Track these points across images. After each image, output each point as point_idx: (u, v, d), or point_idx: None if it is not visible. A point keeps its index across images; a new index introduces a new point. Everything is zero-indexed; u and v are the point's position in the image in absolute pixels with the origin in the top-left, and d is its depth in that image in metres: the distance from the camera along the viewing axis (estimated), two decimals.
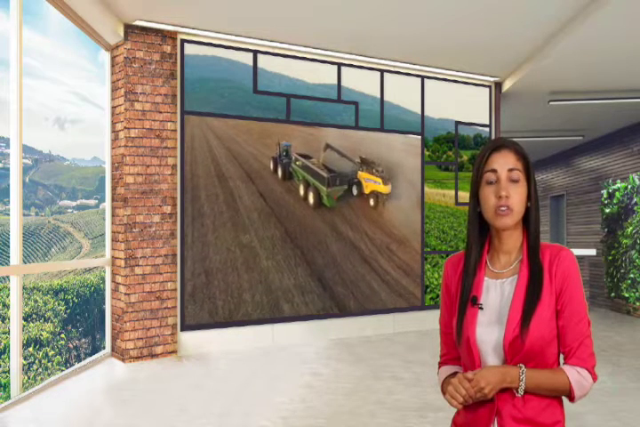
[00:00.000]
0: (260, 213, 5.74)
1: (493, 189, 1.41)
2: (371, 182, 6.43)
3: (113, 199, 5.36)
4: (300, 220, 5.97)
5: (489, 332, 1.39)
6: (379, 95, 6.48)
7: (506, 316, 1.38)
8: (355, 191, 6.37)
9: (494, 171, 1.41)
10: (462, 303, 1.44)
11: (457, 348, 1.47)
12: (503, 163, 1.41)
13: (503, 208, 1.39)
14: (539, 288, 1.37)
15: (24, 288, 5.10)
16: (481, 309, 1.41)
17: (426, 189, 6.74)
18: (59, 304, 7.13)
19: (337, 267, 6.14)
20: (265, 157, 5.84)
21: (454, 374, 1.48)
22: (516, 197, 1.40)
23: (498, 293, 1.43)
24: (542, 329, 1.35)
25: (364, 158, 6.43)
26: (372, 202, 6.43)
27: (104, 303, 5.59)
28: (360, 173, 6.40)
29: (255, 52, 5.79)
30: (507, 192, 1.39)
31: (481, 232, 1.48)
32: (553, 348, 1.39)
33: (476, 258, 1.47)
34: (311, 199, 6.08)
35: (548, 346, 1.37)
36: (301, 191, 6.05)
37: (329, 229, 6.13)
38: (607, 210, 8.98)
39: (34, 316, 6.73)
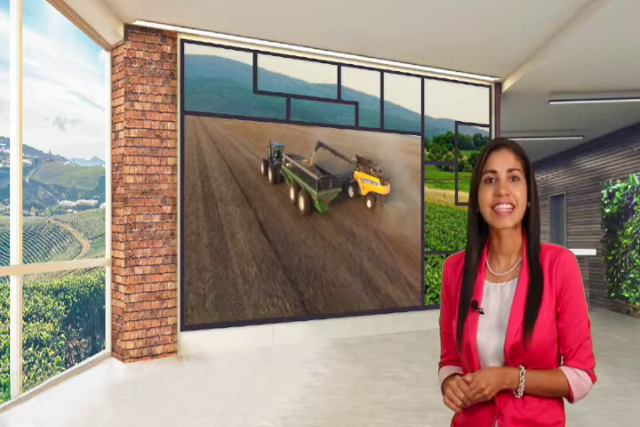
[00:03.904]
0: (240, 210, 5.74)
1: (492, 188, 1.40)
2: (368, 183, 6.19)
3: (113, 199, 5.37)
4: (296, 218, 5.96)
5: (489, 336, 1.38)
6: (379, 95, 6.47)
7: (506, 320, 1.37)
8: (351, 193, 6.11)
9: (494, 172, 1.40)
10: (463, 308, 1.43)
11: (457, 349, 1.47)
12: (503, 163, 1.40)
13: (504, 206, 1.37)
14: (539, 294, 1.36)
15: (24, 288, 5.10)
16: (482, 313, 1.40)
17: (426, 189, 6.73)
18: (59, 304, 7.13)
19: (335, 267, 6.12)
20: (263, 156, 5.82)
21: (454, 375, 1.47)
22: (518, 193, 1.39)
23: (498, 296, 1.42)
24: (543, 334, 1.34)
25: (361, 157, 6.17)
26: (369, 203, 6.22)
27: (104, 303, 5.59)
28: (356, 172, 6.15)
29: (255, 52, 5.79)
30: (507, 190, 1.38)
31: (480, 233, 1.47)
32: (553, 351, 1.38)
33: (476, 260, 1.46)
34: (302, 204, 5.79)
35: (549, 350, 1.36)
36: (292, 195, 5.75)
37: (326, 229, 6.11)
38: (607, 210, 8.98)
39: (34, 316, 6.73)
